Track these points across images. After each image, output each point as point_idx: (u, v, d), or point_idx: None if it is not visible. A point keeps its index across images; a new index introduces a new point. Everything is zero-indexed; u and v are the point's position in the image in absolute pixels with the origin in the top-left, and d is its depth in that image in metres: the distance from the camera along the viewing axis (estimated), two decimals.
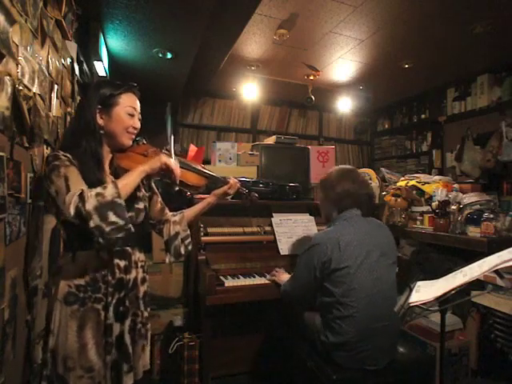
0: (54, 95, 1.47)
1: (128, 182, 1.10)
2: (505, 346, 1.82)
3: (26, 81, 1.10)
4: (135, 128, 1.26)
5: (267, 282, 1.94)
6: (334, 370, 1.48)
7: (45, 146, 1.38)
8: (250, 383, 2.15)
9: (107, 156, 1.26)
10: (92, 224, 0.98)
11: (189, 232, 1.48)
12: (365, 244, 1.54)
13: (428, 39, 2.94)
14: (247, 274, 2.00)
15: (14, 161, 1.04)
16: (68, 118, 1.78)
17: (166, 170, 1.20)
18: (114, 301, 1.17)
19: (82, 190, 1.01)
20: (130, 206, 1.19)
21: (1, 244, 0.96)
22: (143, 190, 1.33)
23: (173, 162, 1.21)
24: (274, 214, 2.27)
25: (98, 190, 1.02)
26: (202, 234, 2.04)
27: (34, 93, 1.19)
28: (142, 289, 1.30)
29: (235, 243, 2.12)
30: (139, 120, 1.28)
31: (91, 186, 1.06)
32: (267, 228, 2.22)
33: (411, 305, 1.08)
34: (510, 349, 1.79)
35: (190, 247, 1.46)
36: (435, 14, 2.55)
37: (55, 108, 1.49)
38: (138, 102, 1.28)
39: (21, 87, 1.05)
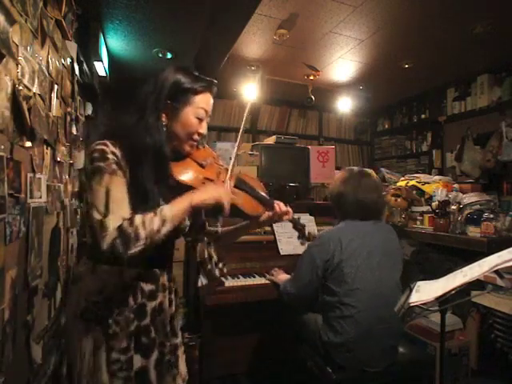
0: (54, 95, 1.47)
1: (176, 214, 0.94)
2: (505, 345, 1.82)
3: (25, 81, 1.10)
4: (201, 134, 1.08)
5: (267, 282, 1.94)
6: (334, 371, 1.48)
7: (45, 146, 1.38)
8: (250, 383, 2.15)
9: None
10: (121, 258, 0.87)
11: (225, 258, 1.31)
12: (366, 244, 1.54)
13: (428, 39, 2.94)
14: (247, 274, 2.00)
15: (14, 161, 1.04)
16: (68, 118, 1.78)
17: (216, 206, 1.00)
18: (132, 328, 1.01)
19: (124, 219, 0.88)
20: None
21: (1, 244, 0.96)
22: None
23: (227, 195, 1.01)
24: None
25: (142, 221, 0.88)
26: None
27: (34, 93, 1.19)
28: (170, 312, 1.11)
29: (235, 243, 2.11)
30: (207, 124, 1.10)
31: (140, 198, 0.93)
32: (267, 228, 2.22)
33: (411, 305, 1.08)
34: (510, 349, 1.79)
35: (225, 270, 1.30)
36: (435, 14, 2.55)
37: (55, 108, 1.49)
38: (212, 104, 1.09)
39: (21, 87, 1.05)
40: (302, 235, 1.39)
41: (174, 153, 1.07)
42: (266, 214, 1.25)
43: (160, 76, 1.04)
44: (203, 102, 1.05)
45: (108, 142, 0.95)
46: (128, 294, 1.01)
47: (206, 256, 1.27)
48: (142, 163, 0.96)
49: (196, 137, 1.07)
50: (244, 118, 1.19)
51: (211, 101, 1.08)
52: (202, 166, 1.11)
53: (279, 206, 1.25)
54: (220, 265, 1.29)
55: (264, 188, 1.29)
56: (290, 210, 1.28)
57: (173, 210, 0.93)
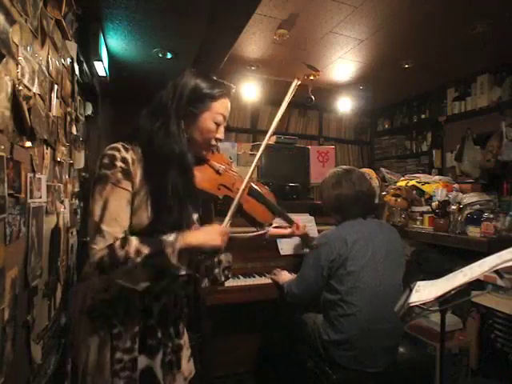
0: (54, 95, 1.47)
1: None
2: (505, 345, 1.81)
3: (25, 81, 1.10)
4: (218, 140, 1.07)
5: (267, 282, 1.93)
6: (334, 371, 1.48)
7: (45, 146, 1.38)
8: (250, 383, 2.15)
9: None
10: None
11: (231, 263, 1.29)
12: (370, 244, 1.55)
13: (428, 39, 2.94)
14: (247, 274, 2.00)
15: (14, 161, 1.04)
16: (68, 118, 1.78)
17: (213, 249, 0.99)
18: (138, 329, 1.00)
19: (116, 239, 0.87)
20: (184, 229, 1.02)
21: (1, 244, 0.96)
22: (200, 210, 1.14)
23: (223, 236, 0.97)
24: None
25: (136, 248, 0.86)
26: None
27: (34, 93, 1.19)
28: (174, 313, 1.12)
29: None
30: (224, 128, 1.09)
31: (162, 210, 0.92)
32: (267, 228, 2.22)
33: (411, 305, 1.08)
34: (510, 349, 1.79)
35: (229, 276, 1.29)
36: (435, 14, 2.55)
37: (55, 108, 1.49)
38: (229, 108, 1.08)
39: (21, 87, 1.05)
40: (311, 247, 1.49)
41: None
42: (289, 230, 1.33)
43: (179, 81, 1.03)
44: (221, 107, 1.05)
45: (120, 147, 0.94)
46: (134, 295, 1.00)
47: (216, 260, 1.26)
48: (167, 172, 0.94)
49: (214, 142, 1.07)
50: (286, 101, 1.13)
51: (229, 105, 1.08)
52: (218, 172, 1.12)
53: (299, 224, 1.35)
54: (226, 271, 1.29)
55: (274, 198, 1.31)
56: (304, 225, 1.36)
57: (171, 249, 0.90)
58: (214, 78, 1.06)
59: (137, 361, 1.00)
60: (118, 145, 0.94)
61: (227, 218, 1.04)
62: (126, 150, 0.94)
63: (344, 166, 1.77)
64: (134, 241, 0.89)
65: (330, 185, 1.68)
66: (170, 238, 0.91)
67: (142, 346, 1.01)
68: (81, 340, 1.01)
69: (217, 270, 1.26)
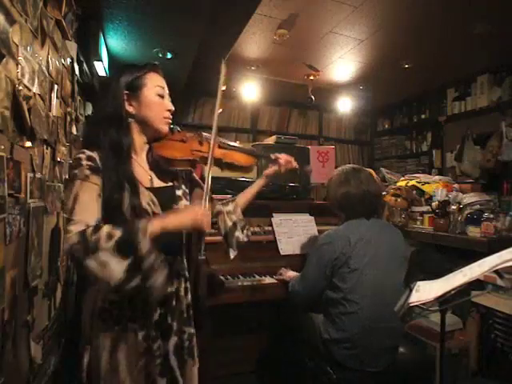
0: (53, 95, 1.47)
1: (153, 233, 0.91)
2: (505, 345, 1.81)
3: (25, 81, 1.10)
4: (169, 110, 1.12)
5: (267, 281, 1.93)
6: (334, 370, 1.48)
7: (45, 146, 1.38)
8: (250, 383, 2.15)
9: (143, 147, 1.12)
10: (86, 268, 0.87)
11: (244, 219, 1.33)
12: (373, 244, 1.55)
13: (428, 39, 2.94)
14: (247, 274, 1.99)
15: (14, 161, 1.04)
16: (68, 118, 1.78)
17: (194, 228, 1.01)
18: (156, 317, 1.03)
19: (88, 226, 0.89)
20: (170, 208, 1.07)
21: (1, 244, 0.96)
22: (183, 187, 1.18)
23: (204, 216, 0.98)
24: (273, 214, 2.26)
25: (108, 232, 0.87)
26: None
27: (34, 93, 1.19)
28: (185, 301, 1.15)
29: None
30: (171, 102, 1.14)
31: (113, 193, 0.96)
32: (267, 228, 2.22)
33: (411, 305, 1.08)
34: (510, 349, 1.79)
35: (250, 233, 1.34)
36: (435, 14, 2.55)
37: (55, 108, 1.49)
38: (164, 81, 1.14)
39: (21, 87, 1.05)
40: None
41: (154, 138, 1.13)
42: (272, 169, 1.37)
43: (112, 76, 1.14)
44: (155, 80, 1.11)
45: (85, 150, 0.99)
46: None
47: (231, 224, 1.30)
48: (107, 163, 0.99)
49: (167, 114, 1.11)
50: (220, 80, 1.20)
51: (161, 78, 1.14)
52: (183, 141, 1.18)
53: (281, 157, 1.38)
54: (245, 231, 1.33)
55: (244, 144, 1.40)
56: (288, 157, 1.40)
57: (149, 230, 0.90)
58: (138, 64, 1.13)
59: (153, 349, 1.01)
60: (83, 149, 1.00)
61: (207, 182, 1.06)
62: (92, 150, 0.99)
63: (352, 165, 1.76)
64: (106, 226, 0.90)
65: (338, 182, 1.68)
66: (143, 221, 0.93)
67: (155, 335, 1.02)
68: (93, 343, 1.01)
69: (237, 233, 1.31)
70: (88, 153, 0.98)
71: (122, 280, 0.86)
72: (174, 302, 1.08)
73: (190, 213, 0.99)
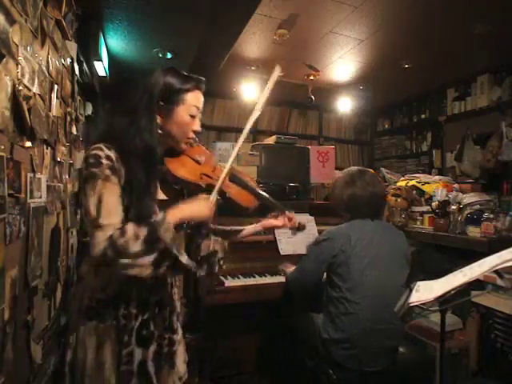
0: (53, 95, 1.47)
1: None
2: (505, 345, 1.81)
3: (25, 81, 1.10)
4: (196, 132, 1.10)
5: (267, 281, 1.94)
6: (334, 370, 1.48)
7: (45, 146, 1.38)
8: (249, 383, 2.15)
9: None
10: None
11: (226, 249, 1.31)
12: (374, 244, 1.55)
13: (428, 39, 2.94)
14: (247, 273, 2.00)
15: (14, 161, 1.04)
16: (68, 118, 1.78)
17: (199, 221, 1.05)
18: (137, 324, 1.04)
19: (115, 229, 0.90)
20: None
21: (1, 244, 0.96)
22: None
23: (210, 210, 1.02)
24: None
25: (134, 233, 0.89)
26: None
27: (34, 93, 1.19)
28: (169, 307, 1.14)
29: (235, 243, 2.11)
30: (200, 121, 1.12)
31: (137, 199, 0.96)
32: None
33: (411, 305, 1.08)
34: (510, 349, 1.79)
35: (223, 266, 1.30)
36: (435, 14, 2.55)
37: (55, 108, 1.49)
38: (202, 100, 1.11)
39: (21, 87, 1.05)
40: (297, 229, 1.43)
41: (171, 151, 1.10)
42: (281, 221, 1.35)
43: (150, 79, 1.06)
44: (194, 99, 1.08)
45: (103, 146, 0.96)
46: (132, 290, 1.03)
47: (211, 250, 1.27)
48: (133, 165, 0.98)
49: (191, 134, 1.10)
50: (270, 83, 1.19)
51: (201, 98, 1.11)
52: (198, 162, 1.15)
53: (293, 217, 1.35)
54: (221, 262, 1.29)
55: (256, 184, 1.35)
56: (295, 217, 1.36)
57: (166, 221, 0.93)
58: (184, 73, 1.09)
59: (134, 353, 1.02)
60: (100, 145, 0.97)
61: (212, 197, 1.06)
62: (108, 148, 0.97)
63: (358, 167, 1.77)
64: (131, 226, 0.91)
65: (344, 183, 1.68)
66: (162, 214, 0.95)
67: (137, 339, 1.03)
68: (79, 341, 1.02)
69: (213, 259, 1.26)
70: (106, 151, 0.96)
71: (152, 271, 0.91)
72: (159, 310, 1.09)
73: (200, 204, 1.02)
